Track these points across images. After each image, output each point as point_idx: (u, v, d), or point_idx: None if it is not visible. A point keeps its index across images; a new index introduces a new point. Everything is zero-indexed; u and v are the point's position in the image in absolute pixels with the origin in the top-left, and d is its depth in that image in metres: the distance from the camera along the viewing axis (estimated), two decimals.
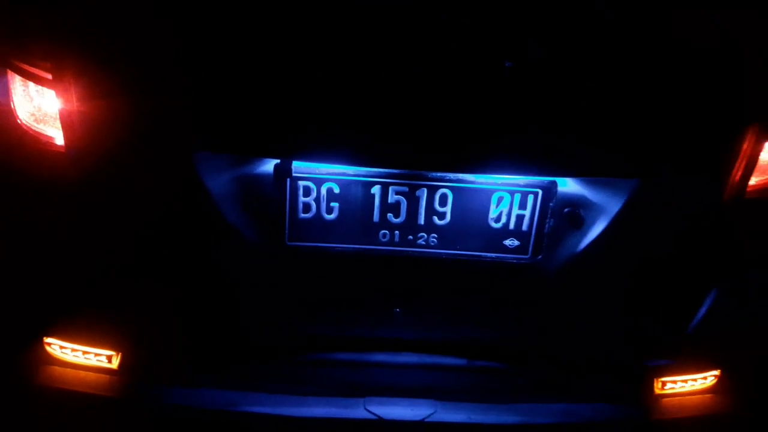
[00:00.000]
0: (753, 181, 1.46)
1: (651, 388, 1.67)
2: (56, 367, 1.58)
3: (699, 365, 1.68)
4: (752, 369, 1.74)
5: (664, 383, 1.68)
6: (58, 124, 1.32)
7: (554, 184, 1.40)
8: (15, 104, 1.34)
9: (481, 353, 1.58)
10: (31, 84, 1.31)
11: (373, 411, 1.49)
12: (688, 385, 1.71)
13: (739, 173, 1.42)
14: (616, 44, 1.34)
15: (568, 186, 1.45)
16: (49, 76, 1.27)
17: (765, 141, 1.40)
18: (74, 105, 1.28)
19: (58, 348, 1.58)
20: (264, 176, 1.38)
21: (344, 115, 1.28)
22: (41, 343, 1.59)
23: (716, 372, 1.73)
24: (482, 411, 1.53)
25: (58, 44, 1.25)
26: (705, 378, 1.72)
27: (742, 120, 1.38)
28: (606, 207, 1.43)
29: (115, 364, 1.57)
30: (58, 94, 1.29)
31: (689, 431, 1.69)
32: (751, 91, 1.37)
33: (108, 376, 1.56)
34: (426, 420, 1.49)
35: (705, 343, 1.63)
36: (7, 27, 1.31)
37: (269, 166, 1.37)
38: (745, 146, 1.40)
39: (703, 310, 1.59)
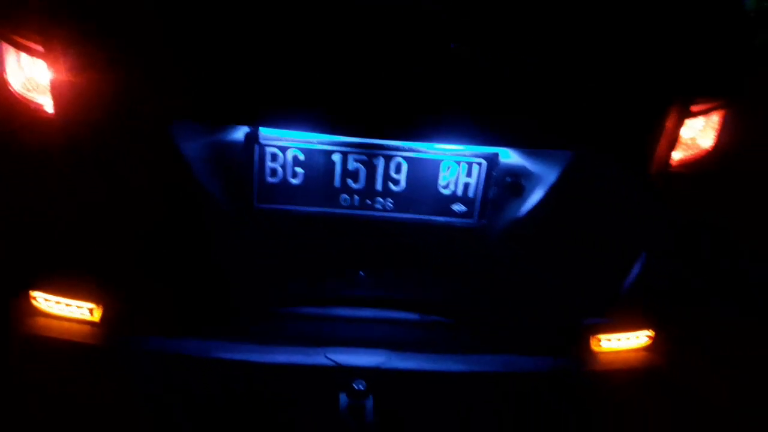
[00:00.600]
0: (677, 155, 1.64)
1: (587, 344, 1.84)
2: (41, 318, 1.70)
3: (632, 325, 1.85)
4: (682, 329, 1.92)
5: (599, 340, 1.85)
6: (48, 93, 1.45)
7: (497, 155, 1.56)
8: (8, 74, 1.46)
9: (431, 309, 1.74)
10: (23, 55, 1.44)
11: (332, 358, 1.65)
12: (622, 343, 1.88)
13: (663, 148, 1.59)
14: (551, 25, 1.48)
15: (510, 157, 1.61)
16: (41, 48, 1.40)
17: (685, 119, 1.57)
18: (63, 75, 1.41)
19: (43, 300, 1.71)
20: (235, 143, 1.52)
21: (308, 87, 1.43)
22: (27, 296, 1.72)
23: (649, 332, 1.90)
24: (431, 360, 1.69)
25: (49, 19, 1.38)
26: (638, 337, 1.90)
27: (665, 99, 1.54)
28: (544, 177, 1.60)
29: (96, 316, 1.70)
30: (48, 64, 1.42)
31: (623, 383, 1.87)
32: (673, 72, 1.53)
33: (90, 327, 1.69)
34: (380, 367, 1.65)
35: (636, 304, 1.80)
36: (1, 2, 1.43)
37: (240, 133, 1.51)
38: (667, 123, 1.56)
39: (633, 273, 1.76)
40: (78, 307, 1.70)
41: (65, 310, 1.71)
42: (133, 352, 1.66)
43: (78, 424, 1.79)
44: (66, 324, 1.70)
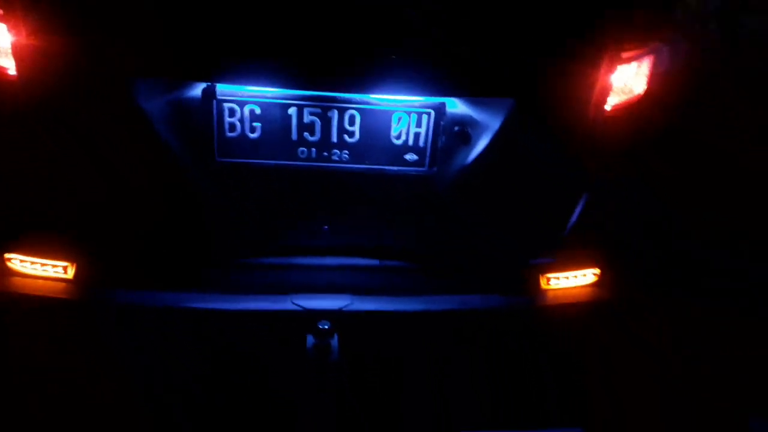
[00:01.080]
0: (613, 100, 1.76)
1: (537, 282, 1.97)
2: (18, 278, 1.78)
3: (577, 263, 1.99)
4: (624, 267, 2.06)
5: (548, 279, 1.99)
6: (10, 56, 1.51)
7: (443, 105, 1.66)
8: None
9: (389, 255, 1.85)
10: None
11: (298, 303, 1.75)
12: (570, 281, 2.02)
13: (599, 94, 1.71)
14: None
15: (457, 107, 1.71)
16: (0, 12, 1.46)
17: (616, 64, 1.68)
18: (24, 37, 1.47)
19: (18, 262, 1.78)
20: (194, 100, 1.60)
21: (261, 42, 1.51)
22: (2, 258, 1.79)
23: (596, 270, 2.04)
24: (390, 302, 1.81)
25: None
26: (585, 275, 2.03)
27: (598, 47, 1.66)
28: (489, 125, 1.70)
29: (70, 274, 1.78)
30: (8, 27, 1.48)
31: (571, 317, 2.01)
32: (604, 21, 1.64)
33: (65, 284, 1.77)
34: (343, 309, 1.76)
35: (580, 244, 1.93)
36: None
37: (198, 90, 1.59)
38: (601, 70, 1.68)
39: (575, 214, 1.89)
40: (53, 266, 1.78)
41: (40, 270, 1.78)
42: (106, 305, 1.75)
43: (55, 377, 1.87)
44: (41, 282, 1.77)
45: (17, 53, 1.49)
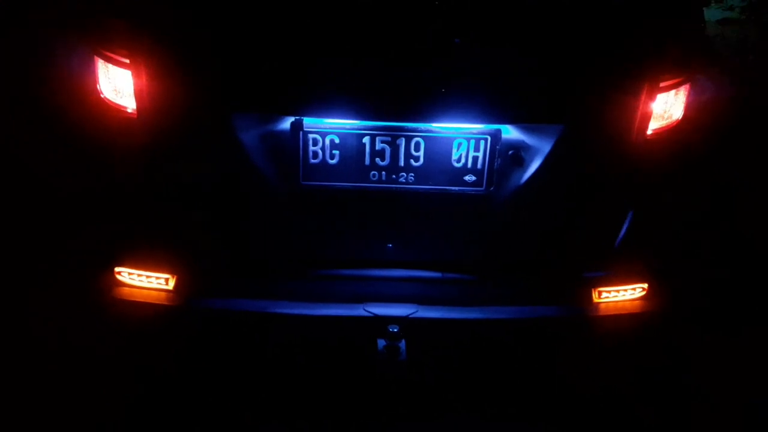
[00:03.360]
0: (654, 125, 1.94)
1: (589, 295, 2.12)
2: (126, 288, 2.05)
3: (627, 278, 2.13)
4: (672, 282, 2.20)
5: (600, 292, 2.13)
6: (132, 97, 1.80)
7: (499, 131, 1.87)
8: (99, 82, 1.82)
9: (450, 268, 2.05)
10: (111, 66, 1.80)
11: (369, 311, 1.96)
12: (620, 295, 2.16)
13: (640, 120, 1.90)
14: (541, 21, 1.80)
15: (511, 133, 1.92)
16: (127, 60, 1.76)
17: (656, 93, 1.87)
18: (144, 81, 1.76)
19: (127, 275, 2.05)
20: (283, 131, 1.86)
21: (341, 82, 1.77)
22: (113, 272, 2.06)
23: (644, 285, 2.18)
24: (453, 311, 2.00)
25: (133, 34, 1.74)
26: (634, 290, 2.17)
27: (639, 78, 1.85)
28: (540, 148, 1.90)
29: (171, 285, 2.04)
30: (132, 73, 1.77)
31: (620, 329, 2.15)
32: (643, 54, 1.84)
33: (166, 293, 2.03)
34: (410, 316, 1.95)
35: (629, 259, 2.09)
36: (94, 20, 1.79)
37: (287, 123, 1.85)
38: (641, 99, 1.87)
39: (623, 231, 2.05)
40: (156, 278, 2.04)
41: (146, 281, 2.04)
42: (202, 312, 1.99)
43: (155, 375, 2.12)
44: (146, 292, 2.03)
45: (138, 95, 1.78)
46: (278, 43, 1.74)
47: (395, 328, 1.89)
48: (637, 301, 2.17)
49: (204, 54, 1.75)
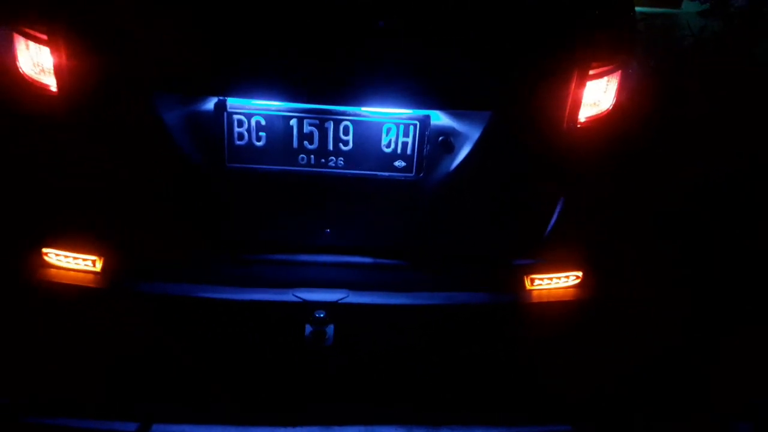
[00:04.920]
0: (586, 113, 1.93)
1: (522, 282, 2.13)
2: (53, 270, 2.02)
3: (558, 265, 2.14)
4: (605, 269, 2.21)
5: (532, 280, 2.14)
6: (52, 74, 1.76)
7: (428, 117, 1.86)
8: (19, 60, 1.78)
9: (381, 253, 2.04)
10: (31, 43, 1.75)
11: (299, 296, 1.95)
12: (553, 283, 2.17)
13: (571, 108, 1.89)
14: (469, 4, 1.78)
15: (441, 119, 1.91)
16: (45, 37, 1.72)
17: (586, 80, 1.86)
18: (64, 59, 1.73)
19: (54, 256, 2.02)
20: (207, 112, 1.83)
21: (266, 61, 1.74)
22: (40, 253, 2.03)
23: (578, 272, 2.19)
24: (382, 296, 1.99)
25: (52, 11, 1.69)
26: (567, 277, 2.18)
27: (569, 65, 1.84)
28: (469, 135, 1.89)
29: (98, 267, 2.01)
30: (51, 51, 1.73)
31: (554, 316, 2.15)
32: (573, 40, 1.82)
33: (93, 275, 2.00)
34: (339, 302, 1.94)
35: (558, 246, 2.09)
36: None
37: (211, 103, 1.82)
38: (572, 86, 1.86)
39: (554, 218, 2.05)
40: (84, 260, 2.01)
41: (72, 262, 2.01)
42: (129, 294, 1.97)
43: (81, 357, 2.10)
44: (73, 273, 2.01)
45: (58, 73, 1.74)
46: (201, 21, 1.71)
47: (321, 313, 1.88)
48: (571, 289, 2.18)
49: (125, 31, 1.71)
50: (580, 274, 2.18)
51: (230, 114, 1.81)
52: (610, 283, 2.19)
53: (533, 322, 2.14)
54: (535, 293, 2.14)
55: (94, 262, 2.01)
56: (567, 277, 2.18)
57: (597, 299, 2.17)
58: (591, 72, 1.85)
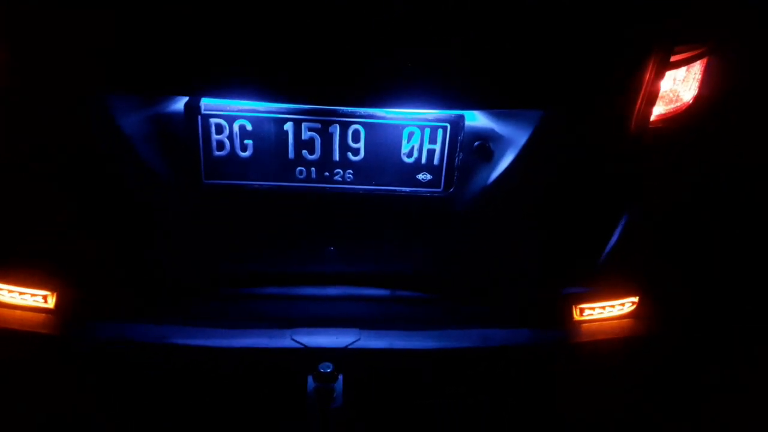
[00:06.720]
0: (658, 110, 1.52)
1: (570, 314, 1.75)
2: None
3: (615, 292, 1.76)
4: (667, 295, 1.82)
5: (582, 310, 1.76)
6: None
7: (462, 117, 1.45)
8: None
9: (402, 284, 1.65)
10: None
11: (298, 340, 1.57)
12: (606, 312, 1.79)
13: (642, 104, 1.47)
14: None
15: (477, 120, 1.50)
16: None
17: (665, 70, 1.44)
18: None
19: None
20: (176, 114, 1.42)
21: (249, 50, 1.31)
22: None
23: (634, 298, 1.81)
24: (403, 338, 1.61)
25: None
26: (623, 304, 1.80)
27: (643, 49, 1.42)
28: (514, 139, 1.49)
29: (51, 303, 1.63)
30: None
31: (609, 352, 1.77)
32: (650, 19, 1.40)
33: (45, 315, 1.62)
34: (349, 347, 1.56)
35: (618, 270, 1.70)
36: None
37: (180, 104, 1.41)
38: (646, 76, 1.44)
39: (614, 238, 1.66)
40: (32, 295, 1.62)
41: (18, 298, 1.63)
42: (87, 340, 1.58)
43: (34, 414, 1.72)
44: (20, 313, 1.62)
45: None
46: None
47: (328, 367, 1.50)
48: (626, 318, 1.80)
49: (66, 22, 1.28)
50: (635, 299, 1.80)
51: (205, 117, 1.40)
52: (677, 313, 1.80)
53: (585, 361, 1.76)
54: (584, 326, 1.76)
55: (45, 297, 1.62)
56: (622, 304, 1.80)
57: (661, 333, 1.78)
58: (673, 58, 1.42)
